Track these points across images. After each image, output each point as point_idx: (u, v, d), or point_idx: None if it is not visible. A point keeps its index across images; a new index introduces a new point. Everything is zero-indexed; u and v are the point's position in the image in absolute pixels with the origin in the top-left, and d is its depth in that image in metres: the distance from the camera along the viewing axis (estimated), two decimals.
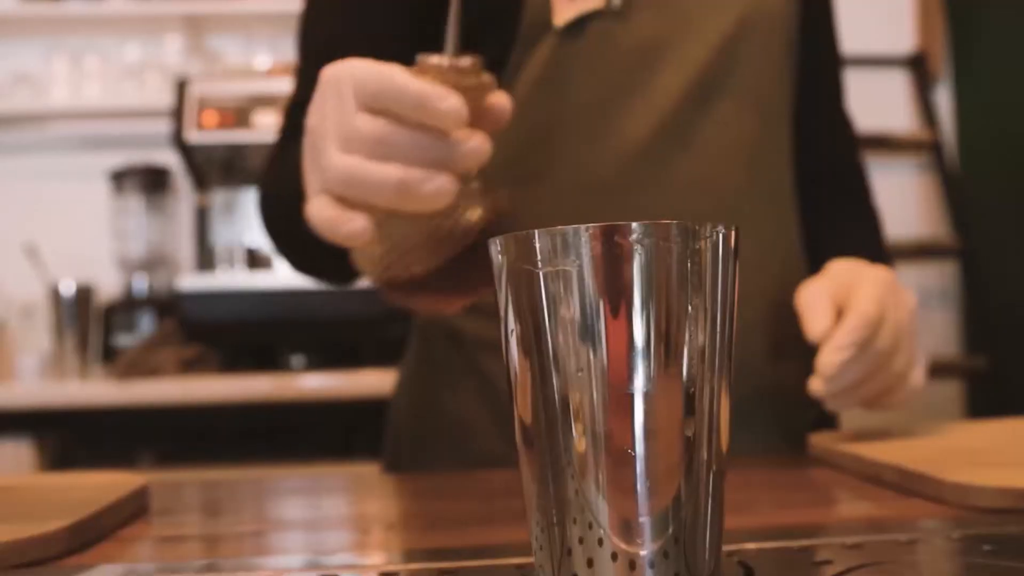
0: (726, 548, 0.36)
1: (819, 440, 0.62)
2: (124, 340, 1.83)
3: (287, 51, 1.89)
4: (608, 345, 0.29)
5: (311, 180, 0.49)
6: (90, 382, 1.70)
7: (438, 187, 0.43)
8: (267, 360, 1.75)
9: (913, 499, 0.48)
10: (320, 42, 0.68)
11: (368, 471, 0.79)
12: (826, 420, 0.73)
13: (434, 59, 0.45)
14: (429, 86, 0.43)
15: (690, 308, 0.29)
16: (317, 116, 0.48)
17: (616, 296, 0.28)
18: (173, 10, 1.92)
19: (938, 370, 2.08)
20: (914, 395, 0.63)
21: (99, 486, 0.53)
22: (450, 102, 0.43)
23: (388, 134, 0.44)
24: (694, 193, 0.65)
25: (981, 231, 2.09)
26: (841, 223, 0.77)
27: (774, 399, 0.67)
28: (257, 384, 1.58)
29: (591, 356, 0.29)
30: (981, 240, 2.09)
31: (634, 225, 0.28)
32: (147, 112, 1.93)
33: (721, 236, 0.30)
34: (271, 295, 1.66)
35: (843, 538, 0.39)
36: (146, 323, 1.85)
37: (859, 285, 0.60)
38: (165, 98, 1.89)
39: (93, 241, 2.00)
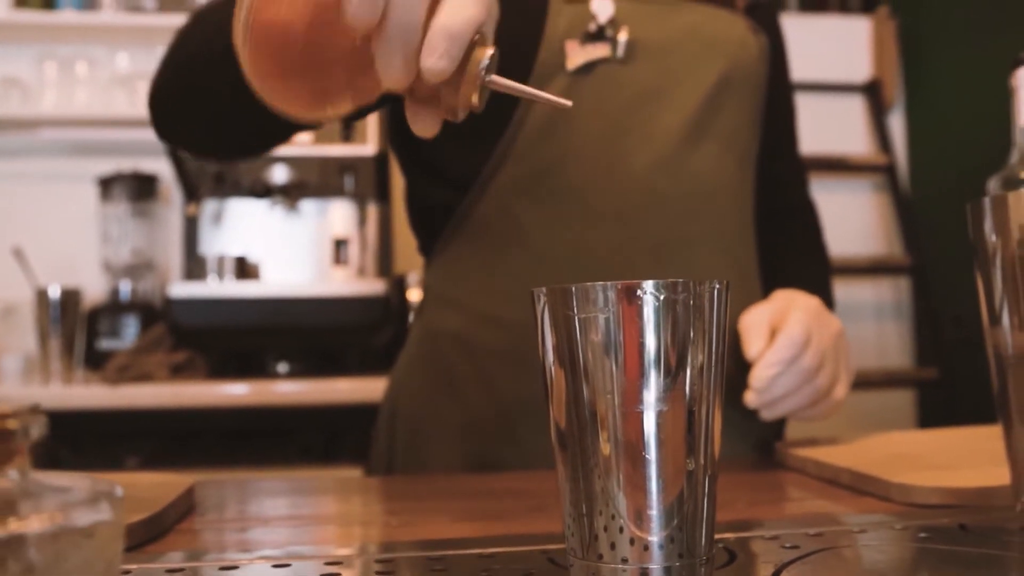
0: None
1: (784, 447, 0.70)
2: (108, 344, 1.83)
3: None
4: (627, 371, 0.35)
5: None
6: (74, 385, 1.69)
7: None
8: (253, 366, 1.77)
9: (864, 497, 0.56)
10: None
11: (364, 476, 0.84)
12: (777, 433, 0.81)
13: None
14: None
15: (692, 341, 0.37)
16: None
17: (634, 334, 0.35)
18: (164, 22, 1.94)
19: (891, 380, 2.19)
20: (837, 409, 0.71)
21: (155, 485, 0.59)
22: None
23: None
24: (685, 221, 0.73)
25: (931, 249, 2.20)
26: (795, 257, 0.86)
27: (743, 413, 0.75)
28: (242, 390, 1.59)
29: (614, 379, 0.36)
30: (931, 258, 2.19)
31: (649, 283, 0.36)
32: (136, 121, 1.94)
33: (716, 290, 0.37)
34: (259, 303, 1.69)
35: (806, 529, 0.46)
36: (131, 328, 1.86)
37: (789, 311, 0.69)
38: None
39: (80, 246, 2.02)
